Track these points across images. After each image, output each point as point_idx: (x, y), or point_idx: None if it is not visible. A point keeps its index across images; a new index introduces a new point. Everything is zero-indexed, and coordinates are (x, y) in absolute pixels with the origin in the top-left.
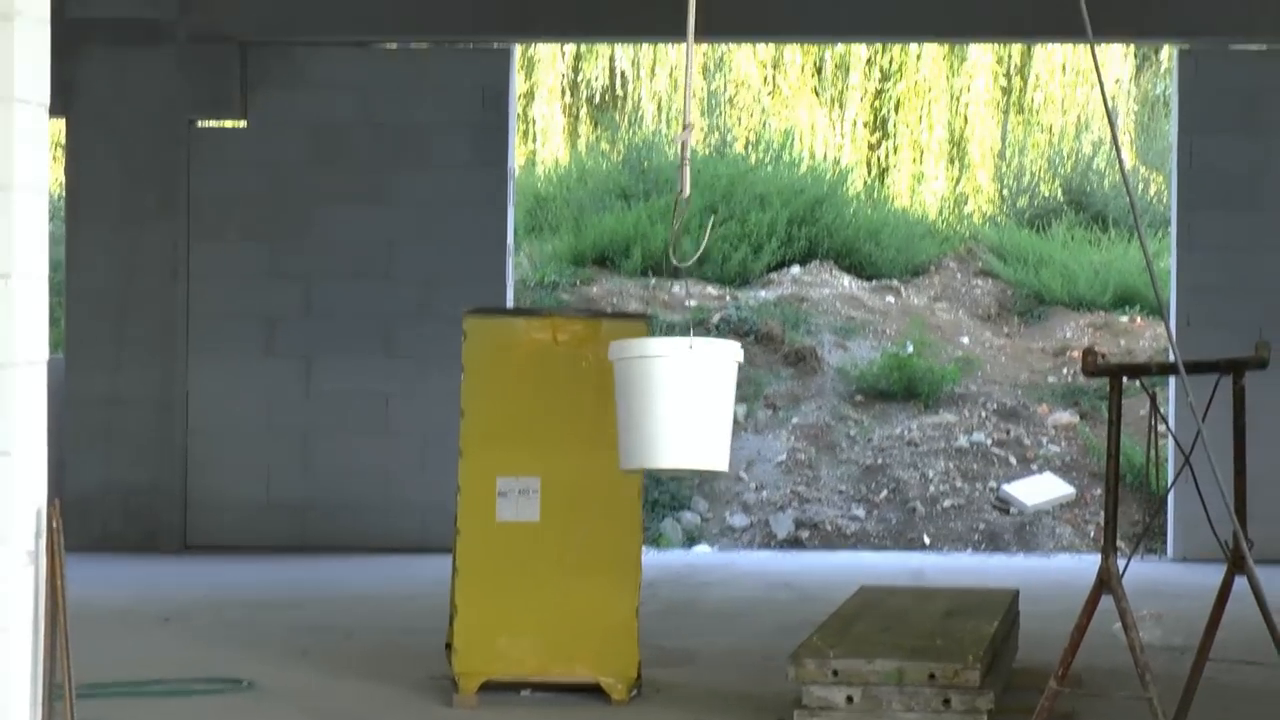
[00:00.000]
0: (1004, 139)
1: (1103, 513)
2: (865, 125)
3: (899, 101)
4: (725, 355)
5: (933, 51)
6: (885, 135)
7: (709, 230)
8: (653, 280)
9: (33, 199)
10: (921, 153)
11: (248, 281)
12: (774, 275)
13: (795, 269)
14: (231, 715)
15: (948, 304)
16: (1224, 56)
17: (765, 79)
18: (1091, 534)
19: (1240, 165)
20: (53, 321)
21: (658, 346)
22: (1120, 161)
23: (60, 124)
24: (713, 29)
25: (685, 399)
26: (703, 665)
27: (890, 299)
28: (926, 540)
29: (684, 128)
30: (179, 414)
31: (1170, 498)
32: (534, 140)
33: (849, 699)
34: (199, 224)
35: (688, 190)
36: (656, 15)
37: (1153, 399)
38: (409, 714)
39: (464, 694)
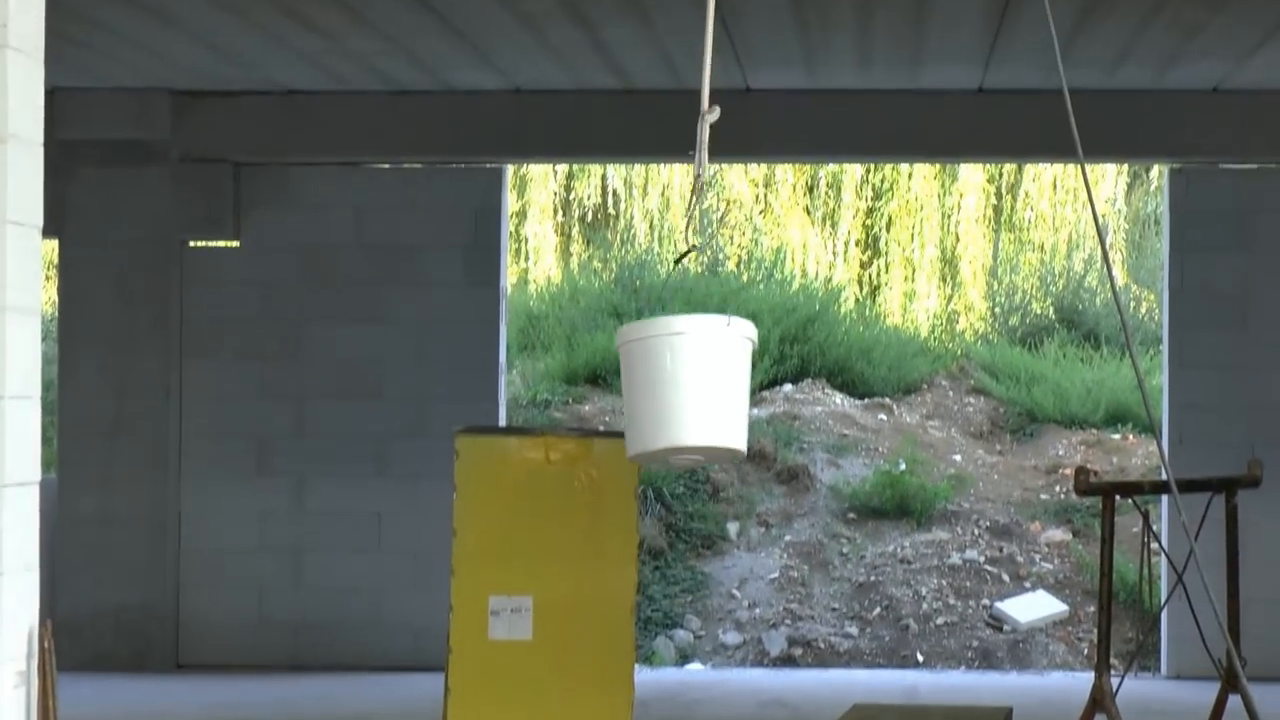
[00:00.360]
0: (995, 257)
1: (1096, 630)
2: (857, 243)
3: (890, 219)
4: (751, 334)
5: (924, 170)
6: (877, 253)
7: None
8: None
9: (26, 320)
10: (913, 270)
11: (240, 401)
12: (766, 393)
13: (787, 387)
14: None
15: (940, 421)
16: (1215, 175)
17: (757, 197)
18: (1085, 651)
19: (1232, 284)
20: (45, 441)
21: (689, 323)
22: (1111, 280)
23: (53, 244)
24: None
25: (713, 376)
26: None
27: (882, 417)
28: (920, 658)
29: (703, 111)
30: (171, 533)
31: (1164, 615)
32: (526, 259)
33: None
34: (191, 343)
35: (706, 173)
36: (648, 136)
37: (1145, 517)
38: None
39: None
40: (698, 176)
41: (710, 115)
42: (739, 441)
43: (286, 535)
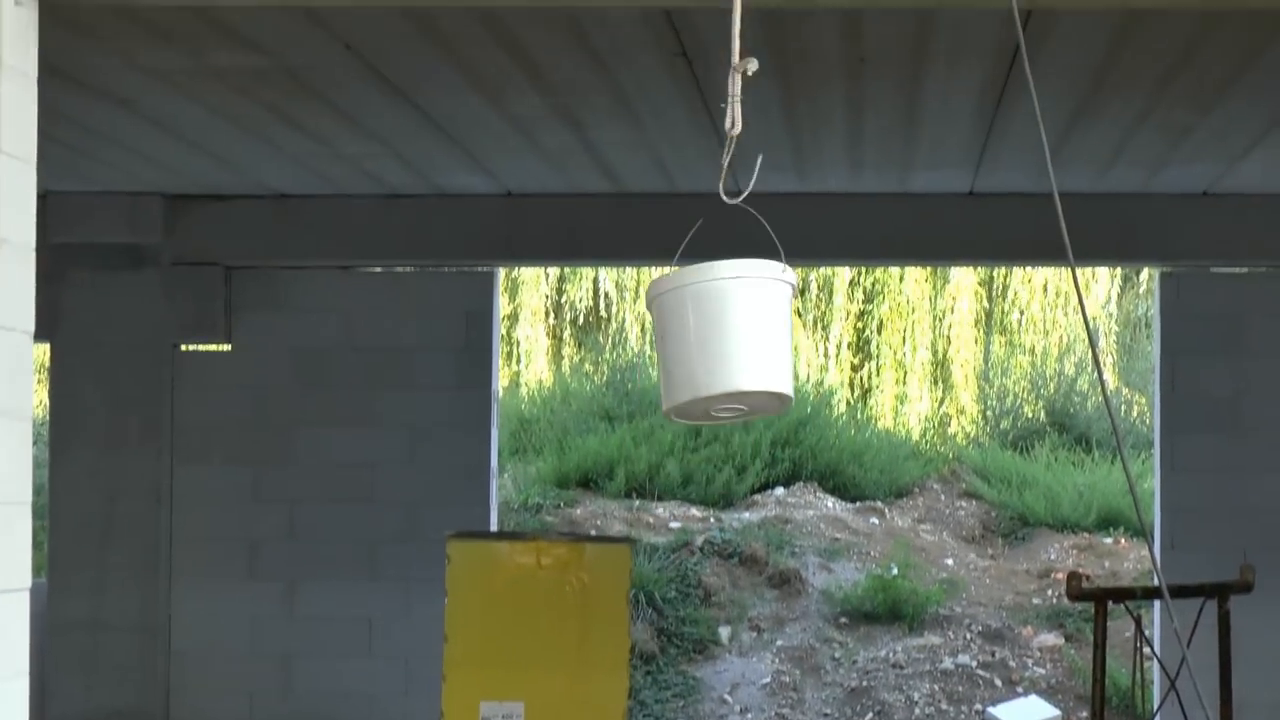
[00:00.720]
0: (987, 360)
1: None
2: (849, 346)
3: (882, 322)
4: (795, 280)
5: (915, 272)
6: (868, 356)
7: (758, 166)
8: (636, 502)
9: (17, 426)
10: (905, 374)
11: (231, 505)
12: (758, 497)
13: (779, 490)
14: None
15: (932, 525)
16: (1206, 279)
17: None
18: None
19: (1223, 387)
20: (36, 545)
21: (748, 267)
22: (1102, 384)
23: (44, 348)
24: (696, 253)
25: (768, 320)
26: None
27: (874, 520)
28: None
29: (734, 63)
30: (161, 638)
31: None
32: (518, 361)
33: None
34: (182, 447)
35: (739, 125)
36: (640, 239)
37: (1138, 622)
38: None
39: None
40: (730, 127)
41: (749, 65)
42: (789, 387)
43: (277, 640)
